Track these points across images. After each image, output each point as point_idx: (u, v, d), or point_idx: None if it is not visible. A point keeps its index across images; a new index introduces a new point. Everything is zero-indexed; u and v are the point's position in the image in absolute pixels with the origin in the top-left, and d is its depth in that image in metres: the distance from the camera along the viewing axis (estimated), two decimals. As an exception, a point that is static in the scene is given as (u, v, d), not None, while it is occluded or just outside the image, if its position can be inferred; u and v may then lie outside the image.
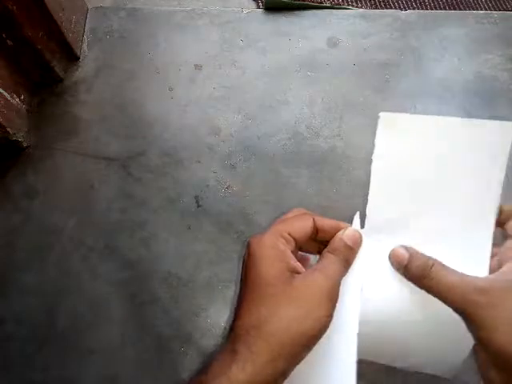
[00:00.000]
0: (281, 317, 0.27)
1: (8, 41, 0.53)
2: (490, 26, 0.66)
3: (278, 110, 0.61)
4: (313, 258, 0.36)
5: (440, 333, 0.31)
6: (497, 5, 0.73)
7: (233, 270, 0.53)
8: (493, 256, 0.30)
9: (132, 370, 0.49)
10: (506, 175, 0.29)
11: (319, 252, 0.35)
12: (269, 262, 0.29)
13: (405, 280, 0.31)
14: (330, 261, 0.30)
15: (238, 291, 0.31)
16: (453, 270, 0.29)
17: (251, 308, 0.28)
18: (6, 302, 0.52)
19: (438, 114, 0.30)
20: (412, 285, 0.30)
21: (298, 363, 0.27)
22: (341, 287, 0.30)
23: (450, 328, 0.29)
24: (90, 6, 0.68)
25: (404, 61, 0.64)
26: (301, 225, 0.32)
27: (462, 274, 0.28)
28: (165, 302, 0.51)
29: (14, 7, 0.49)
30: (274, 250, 0.29)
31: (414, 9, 0.71)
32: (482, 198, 0.30)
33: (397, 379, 0.47)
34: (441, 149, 0.30)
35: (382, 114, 0.30)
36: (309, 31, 0.66)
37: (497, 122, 0.29)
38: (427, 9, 0.72)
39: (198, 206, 0.56)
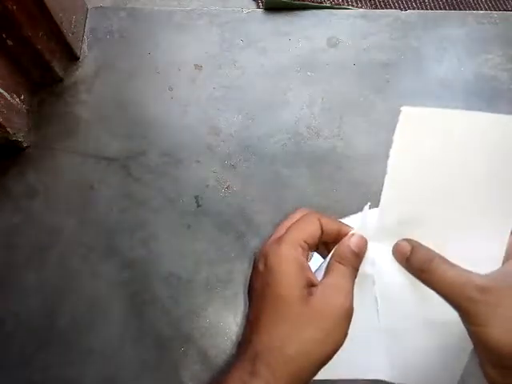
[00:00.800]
0: (302, 340, 0.27)
1: (8, 41, 0.53)
2: (490, 26, 0.66)
3: (278, 110, 0.61)
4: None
5: (441, 334, 0.31)
6: (497, 5, 0.73)
7: (232, 270, 0.53)
8: None
9: (132, 370, 0.49)
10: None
11: (317, 250, 0.35)
12: (289, 280, 0.29)
13: (407, 279, 0.31)
14: (342, 274, 0.30)
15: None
16: (454, 265, 0.29)
17: (272, 326, 0.28)
18: (6, 302, 0.52)
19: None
20: (413, 285, 0.30)
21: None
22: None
23: (450, 328, 0.29)
24: (89, 6, 0.68)
25: (404, 61, 0.64)
26: (312, 229, 0.31)
27: (463, 270, 0.28)
28: (165, 302, 0.51)
29: (14, 7, 0.49)
30: (293, 266, 0.29)
31: (413, 9, 0.71)
32: (503, 199, 0.29)
33: None
34: (467, 147, 0.28)
35: (403, 108, 0.29)
36: (309, 31, 0.66)
37: None
38: (427, 9, 0.72)
39: (198, 206, 0.56)
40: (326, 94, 0.62)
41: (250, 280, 0.32)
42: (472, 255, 0.29)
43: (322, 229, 0.32)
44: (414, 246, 0.30)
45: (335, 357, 0.28)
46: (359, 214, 0.33)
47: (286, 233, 0.31)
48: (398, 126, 0.29)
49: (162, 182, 0.57)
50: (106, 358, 0.49)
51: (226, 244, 0.54)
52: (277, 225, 0.34)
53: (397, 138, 0.29)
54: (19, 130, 0.57)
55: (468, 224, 0.30)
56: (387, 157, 0.29)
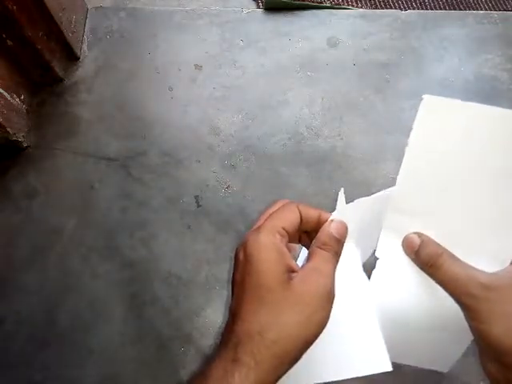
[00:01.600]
0: (283, 324, 0.27)
1: (8, 41, 0.53)
2: (490, 26, 0.66)
3: (278, 110, 0.61)
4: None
5: (442, 325, 0.31)
6: (497, 5, 0.73)
7: (232, 269, 0.52)
8: None
9: (132, 370, 0.49)
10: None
11: (300, 241, 0.35)
12: (269, 266, 0.29)
13: (415, 271, 0.31)
14: (323, 258, 0.30)
15: (230, 290, 0.31)
16: (460, 261, 0.29)
17: (253, 313, 0.28)
18: (6, 302, 0.52)
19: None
20: (420, 277, 0.30)
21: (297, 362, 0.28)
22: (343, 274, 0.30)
23: (452, 321, 0.29)
24: (89, 6, 0.68)
25: (404, 61, 0.64)
26: (291, 217, 0.32)
27: (469, 267, 0.28)
28: (165, 302, 0.51)
29: (14, 7, 0.49)
30: (272, 252, 0.29)
31: (413, 9, 0.71)
32: None
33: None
34: (486, 141, 0.28)
35: (425, 97, 0.28)
36: (309, 31, 0.66)
37: None
38: (427, 9, 0.72)
39: (198, 206, 0.56)
40: (326, 93, 0.62)
41: (233, 271, 0.32)
42: (481, 252, 0.29)
43: (301, 216, 0.32)
44: (424, 240, 0.30)
45: (334, 358, 0.28)
46: (349, 204, 0.33)
47: (264, 222, 0.31)
48: (419, 114, 0.28)
49: (162, 182, 0.57)
50: (106, 358, 0.49)
51: (226, 244, 0.54)
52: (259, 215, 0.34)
53: (416, 126, 0.29)
54: (19, 130, 0.57)
55: (480, 219, 0.30)
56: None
